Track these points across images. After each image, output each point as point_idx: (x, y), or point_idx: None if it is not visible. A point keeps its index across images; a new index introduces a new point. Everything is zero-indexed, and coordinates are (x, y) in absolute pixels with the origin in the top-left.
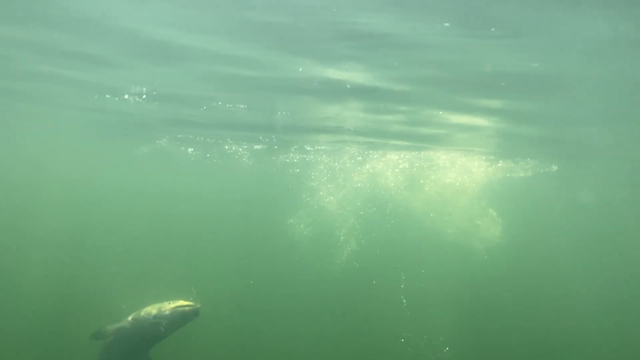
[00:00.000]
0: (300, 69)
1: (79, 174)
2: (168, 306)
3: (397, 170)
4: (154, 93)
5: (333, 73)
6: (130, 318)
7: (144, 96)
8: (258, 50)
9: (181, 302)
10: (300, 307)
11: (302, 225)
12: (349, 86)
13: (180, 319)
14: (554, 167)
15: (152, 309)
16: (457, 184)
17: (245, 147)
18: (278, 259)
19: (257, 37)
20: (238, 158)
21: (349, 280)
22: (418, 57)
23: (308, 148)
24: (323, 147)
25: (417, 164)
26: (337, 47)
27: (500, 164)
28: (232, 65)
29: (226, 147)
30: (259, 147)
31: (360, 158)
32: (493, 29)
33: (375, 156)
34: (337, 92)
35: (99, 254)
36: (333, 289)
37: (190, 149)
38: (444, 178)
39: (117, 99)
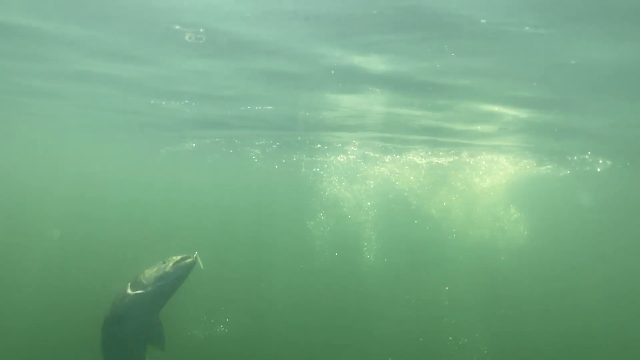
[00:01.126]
0: (335, 69)
1: (110, 174)
2: (167, 265)
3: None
4: (187, 102)
5: (369, 65)
6: (130, 291)
7: (173, 101)
8: (298, 42)
9: (177, 257)
10: (332, 305)
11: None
12: (380, 87)
13: (184, 271)
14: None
15: (152, 272)
16: (505, 184)
17: (270, 147)
18: (308, 259)
19: (295, 27)
20: (261, 158)
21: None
22: (469, 47)
23: (338, 145)
24: (358, 144)
25: (467, 161)
26: (380, 37)
27: (549, 166)
28: (272, 59)
29: (251, 148)
30: (277, 146)
31: (390, 156)
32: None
33: (410, 155)
34: (370, 85)
35: (123, 252)
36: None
37: (214, 149)
38: (484, 178)
39: (152, 102)
